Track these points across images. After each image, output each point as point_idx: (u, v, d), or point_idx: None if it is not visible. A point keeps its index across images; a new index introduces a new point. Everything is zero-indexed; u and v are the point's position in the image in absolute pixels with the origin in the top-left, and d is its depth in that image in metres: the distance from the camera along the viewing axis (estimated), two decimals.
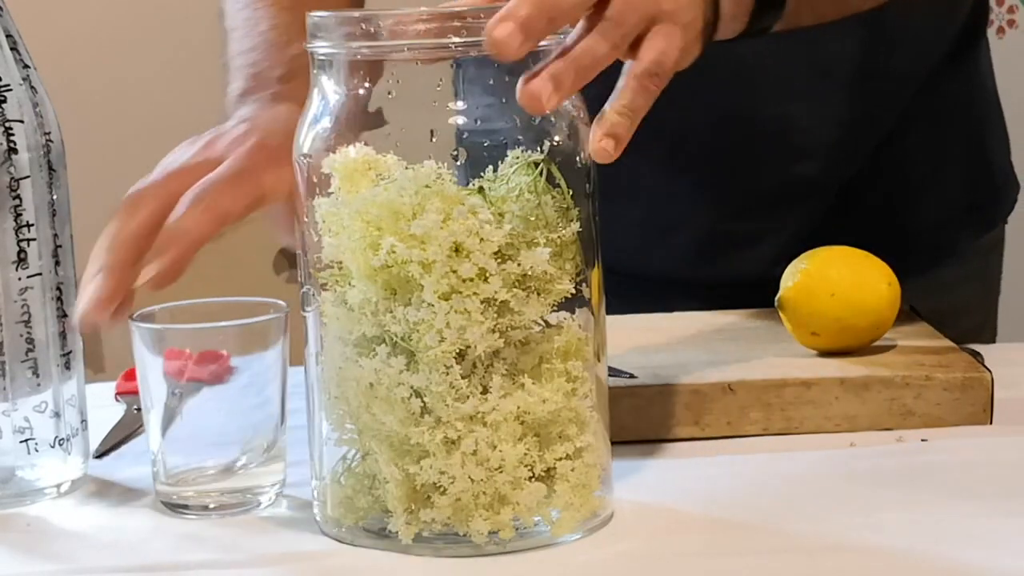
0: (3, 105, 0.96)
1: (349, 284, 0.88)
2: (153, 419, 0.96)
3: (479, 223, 0.85)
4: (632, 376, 1.07)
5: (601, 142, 0.87)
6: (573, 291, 0.88)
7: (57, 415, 0.99)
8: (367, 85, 0.90)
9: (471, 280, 0.85)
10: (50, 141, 0.98)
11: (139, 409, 1.01)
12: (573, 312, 0.89)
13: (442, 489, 0.86)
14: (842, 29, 1.19)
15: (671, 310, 1.28)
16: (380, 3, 0.91)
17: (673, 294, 1.32)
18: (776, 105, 1.29)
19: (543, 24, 0.86)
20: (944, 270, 1.36)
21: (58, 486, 1.00)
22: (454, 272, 0.85)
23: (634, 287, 1.31)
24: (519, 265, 0.86)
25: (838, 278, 1.13)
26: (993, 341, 1.42)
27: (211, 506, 0.95)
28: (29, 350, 0.98)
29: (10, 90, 0.97)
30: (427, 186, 0.85)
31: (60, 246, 0.99)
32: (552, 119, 0.89)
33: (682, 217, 1.35)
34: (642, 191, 1.35)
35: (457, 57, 0.87)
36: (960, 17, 1.36)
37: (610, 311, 0.95)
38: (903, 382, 1.07)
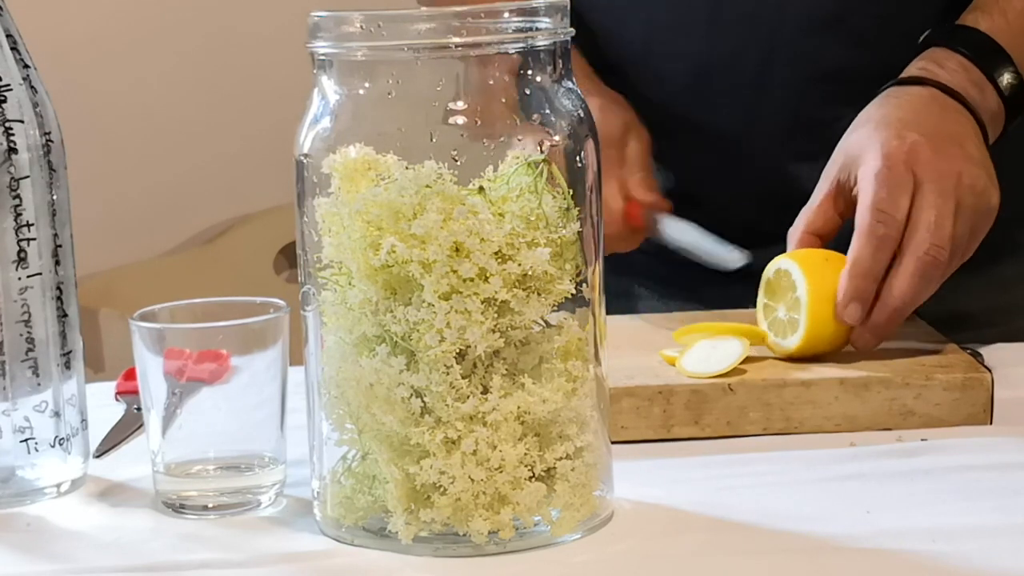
0: (3, 105, 0.96)
1: (349, 284, 0.88)
2: (153, 419, 0.96)
3: (479, 223, 0.85)
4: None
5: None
6: (573, 291, 0.88)
7: (57, 415, 0.99)
8: (367, 85, 0.90)
9: (471, 280, 0.85)
10: (50, 141, 0.98)
11: (139, 409, 1.01)
12: (573, 312, 0.89)
13: (442, 489, 0.86)
14: None
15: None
16: (380, 3, 0.91)
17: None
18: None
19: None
20: (1003, 268, 1.35)
21: (58, 486, 1.00)
22: (454, 272, 0.85)
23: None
24: (519, 265, 0.86)
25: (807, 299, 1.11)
26: None
27: (211, 506, 0.95)
28: (29, 350, 0.98)
29: (10, 90, 0.97)
30: (427, 186, 0.85)
31: (60, 246, 0.99)
32: (552, 119, 0.89)
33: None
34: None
35: (457, 57, 0.87)
36: None
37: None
38: (903, 382, 1.06)
